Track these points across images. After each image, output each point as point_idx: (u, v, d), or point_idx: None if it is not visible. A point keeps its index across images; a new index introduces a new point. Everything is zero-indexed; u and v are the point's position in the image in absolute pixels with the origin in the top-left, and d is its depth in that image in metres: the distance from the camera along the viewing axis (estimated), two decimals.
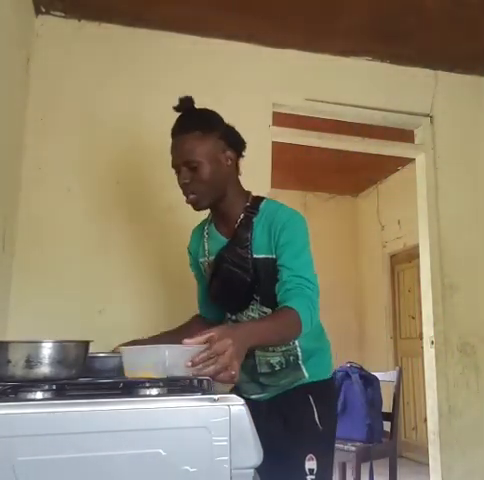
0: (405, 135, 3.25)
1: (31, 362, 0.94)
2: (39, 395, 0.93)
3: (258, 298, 1.51)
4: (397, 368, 3.16)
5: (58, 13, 2.62)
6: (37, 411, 0.84)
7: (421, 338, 3.34)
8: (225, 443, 0.88)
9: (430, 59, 3.07)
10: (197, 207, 1.51)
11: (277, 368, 1.52)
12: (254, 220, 1.51)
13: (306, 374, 1.52)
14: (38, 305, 2.39)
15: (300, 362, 1.52)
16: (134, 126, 2.66)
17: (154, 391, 0.98)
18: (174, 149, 1.48)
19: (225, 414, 0.90)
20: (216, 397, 0.91)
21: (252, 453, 0.91)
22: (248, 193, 1.59)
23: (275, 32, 2.79)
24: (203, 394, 0.95)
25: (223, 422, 0.89)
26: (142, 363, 1.03)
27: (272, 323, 1.30)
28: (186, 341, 1.06)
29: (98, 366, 1.24)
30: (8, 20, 2.11)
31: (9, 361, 0.94)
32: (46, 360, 0.95)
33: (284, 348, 1.51)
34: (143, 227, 2.59)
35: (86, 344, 1.07)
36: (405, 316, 5.11)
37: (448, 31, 2.79)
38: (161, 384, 1.00)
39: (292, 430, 1.47)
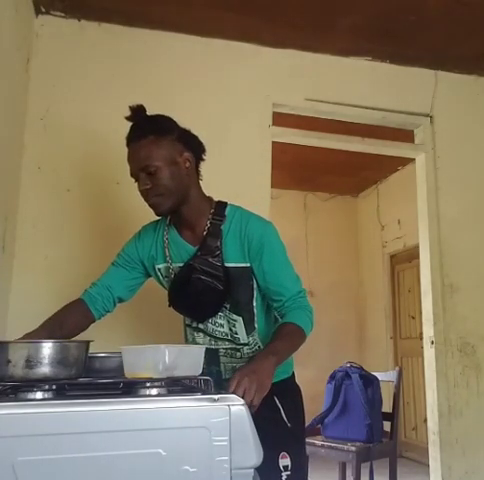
0: (405, 135, 3.25)
1: (31, 362, 0.94)
2: (39, 395, 0.93)
3: (228, 306, 1.52)
4: (397, 368, 3.16)
5: (58, 13, 2.62)
6: (37, 411, 0.84)
7: (421, 338, 3.34)
8: (225, 443, 0.88)
9: (430, 59, 3.07)
10: (159, 211, 1.50)
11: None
12: (222, 228, 1.51)
13: None
14: (38, 305, 2.38)
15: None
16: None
17: (154, 391, 0.98)
18: (131, 157, 1.47)
19: (225, 414, 0.90)
20: (216, 397, 0.91)
21: (252, 453, 0.91)
22: (210, 199, 1.58)
23: (275, 32, 2.79)
24: (203, 394, 0.95)
25: (223, 422, 0.89)
26: (142, 363, 1.03)
27: (287, 343, 1.40)
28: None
29: (98, 366, 1.24)
30: (8, 20, 2.11)
31: (9, 361, 0.94)
32: (46, 360, 0.95)
33: (251, 354, 1.54)
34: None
35: (86, 344, 1.07)
36: (405, 316, 5.11)
37: (448, 31, 2.79)
38: (161, 384, 1.00)
39: (261, 431, 1.48)
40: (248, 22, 2.70)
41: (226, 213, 1.53)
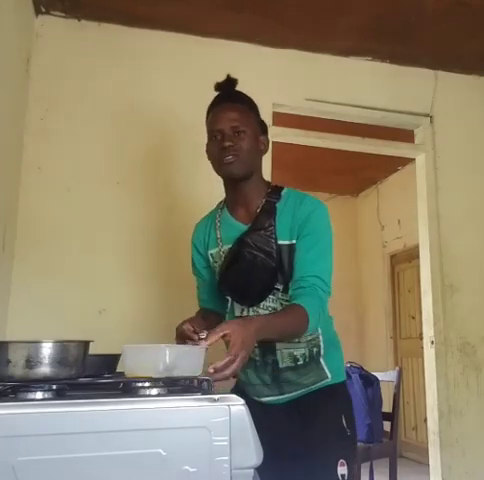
0: (405, 135, 3.25)
1: (31, 362, 0.94)
2: (39, 395, 0.92)
3: (280, 287, 1.45)
4: (397, 368, 3.16)
5: (58, 13, 2.62)
6: (37, 411, 0.84)
7: (421, 338, 3.34)
8: (225, 443, 0.88)
9: (430, 59, 3.07)
10: (232, 168, 1.45)
11: (300, 362, 1.46)
12: (277, 205, 1.48)
13: (328, 374, 1.47)
14: (38, 305, 2.38)
15: (321, 357, 1.48)
16: (134, 126, 2.66)
17: (154, 391, 0.98)
18: (221, 115, 1.48)
19: (225, 414, 0.90)
20: (216, 397, 0.91)
21: (252, 453, 0.91)
22: (268, 182, 1.58)
23: (275, 32, 2.79)
24: (203, 394, 0.95)
25: (223, 422, 0.89)
26: (142, 363, 1.03)
27: (282, 319, 1.32)
28: (203, 342, 1.11)
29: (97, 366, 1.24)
30: (8, 20, 2.11)
31: (9, 361, 0.93)
32: (46, 360, 0.95)
33: (309, 338, 1.47)
34: (143, 227, 2.59)
35: (86, 344, 1.07)
36: (405, 316, 5.11)
37: (448, 31, 2.79)
38: (161, 384, 1.00)
39: (321, 435, 1.41)
40: (248, 22, 2.70)
41: (282, 194, 1.52)
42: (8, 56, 2.15)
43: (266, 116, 2.86)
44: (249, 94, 3.09)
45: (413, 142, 3.25)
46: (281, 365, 1.46)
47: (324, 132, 3.06)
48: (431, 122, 3.15)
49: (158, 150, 2.65)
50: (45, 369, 0.95)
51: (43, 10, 2.60)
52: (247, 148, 1.45)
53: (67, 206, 2.52)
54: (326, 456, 1.38)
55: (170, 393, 0.99)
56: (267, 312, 1.45)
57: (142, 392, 0.98)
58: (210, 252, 1.56)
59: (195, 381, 1.11)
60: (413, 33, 2.81)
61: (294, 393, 1.47)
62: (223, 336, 1.12)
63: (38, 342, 0.97)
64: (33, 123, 2.53)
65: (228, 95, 1.53)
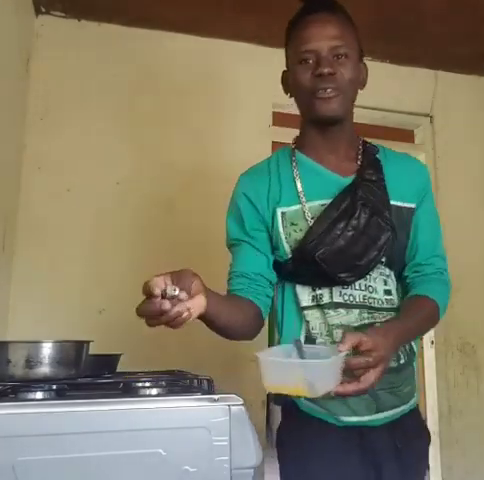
0: (405, 135, 3.25)
1: (31, 362, 0.94)
2: (39, 395, 0.93)
3: (384, 259, 1.16)
4: None
5: (58, 13, 2.62)
6: (37, 411, 0.84)
7: (421, 338, 3.34)
8: (225, 443, 0.88)
9: (430, 59, 3.07)
10: (332, 108, 1.14)
11: (402, 360, 1.19)
12: (379, 157, 1.22)
13: (416, 384, 1.25)
14: (38, 305, 2.38)
15: (414, 359, 1.25)
16: (134, 126, 2.66)
17: (154, 391, 0.98)
18: (316, 28, 1.11)
19: (225, 414, 0.90)
20: (216, 397, 0.91)
21: (252, 453, 0.91)
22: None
23: (275, 32, 2.78)
24: (203, 394, 0.95)
25: (223, 422, 0.89)
26: (281, 379, 0.93)
27: (417, 320, 1.12)
28: (338, 347, 0.92)
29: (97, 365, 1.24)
30: (8, 20, 2.11)
31: (9, 361, 0.94)
32: (46, 360, 0.95)
33: None
34: (143, 227, 2.59)
35: (86, 344, 1.07)
36: None
37: (448, 31, 2.79)
38: (161, 384, 1.00)
39: (418, 468, 1.21)
40: (248, 22, 2.69)
41: (375, 144, 1.27)
42: (8, 56, 2.15)
43: (266, 116, 2.89)
44: (248, 94, 3.10)
45: (413, 142, 3.25)
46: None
47: None
48: (431, 122, 3.15)
49: (158, 150, 2.65)
50: (45, 369, 0.95)
51: (43, 10, 2.60)
52: (350, 78, 1.15)
53: (67, 206, 2.52)
54: None
55: (170, 393, 0.99)
56: (363, 293, 1.15)
57: (142, 392, 0.99)
58: (282, 210, 1.19)
59: (195, 381, 1.12)
60: (413, 33, 2.81)
61: (391, 411, 1.18)
62: (358, 345, 0.93)
63: (38, 342, 0.97)
64: (33, 123, 2.53)
65: (322, 3, 1.13)
